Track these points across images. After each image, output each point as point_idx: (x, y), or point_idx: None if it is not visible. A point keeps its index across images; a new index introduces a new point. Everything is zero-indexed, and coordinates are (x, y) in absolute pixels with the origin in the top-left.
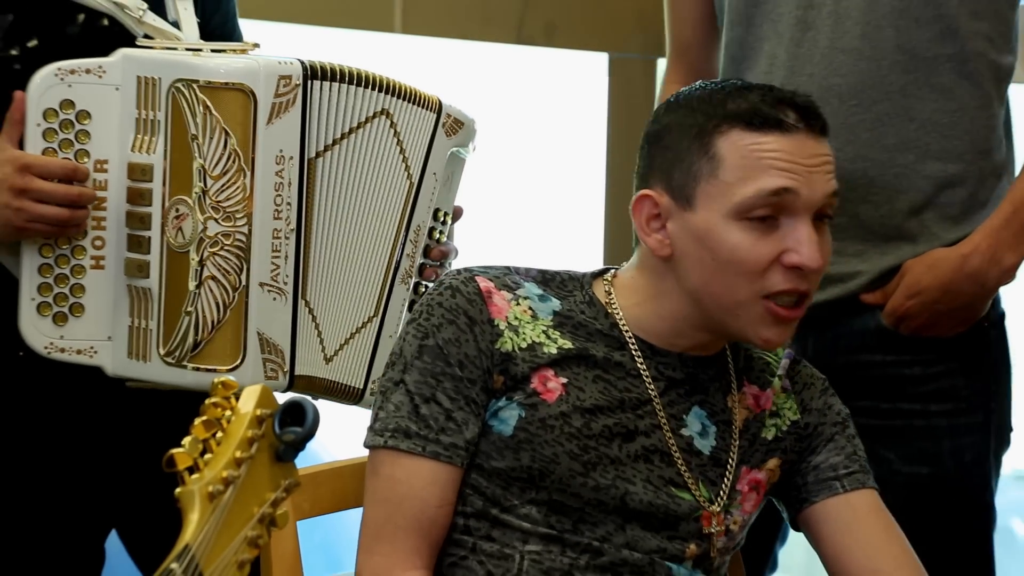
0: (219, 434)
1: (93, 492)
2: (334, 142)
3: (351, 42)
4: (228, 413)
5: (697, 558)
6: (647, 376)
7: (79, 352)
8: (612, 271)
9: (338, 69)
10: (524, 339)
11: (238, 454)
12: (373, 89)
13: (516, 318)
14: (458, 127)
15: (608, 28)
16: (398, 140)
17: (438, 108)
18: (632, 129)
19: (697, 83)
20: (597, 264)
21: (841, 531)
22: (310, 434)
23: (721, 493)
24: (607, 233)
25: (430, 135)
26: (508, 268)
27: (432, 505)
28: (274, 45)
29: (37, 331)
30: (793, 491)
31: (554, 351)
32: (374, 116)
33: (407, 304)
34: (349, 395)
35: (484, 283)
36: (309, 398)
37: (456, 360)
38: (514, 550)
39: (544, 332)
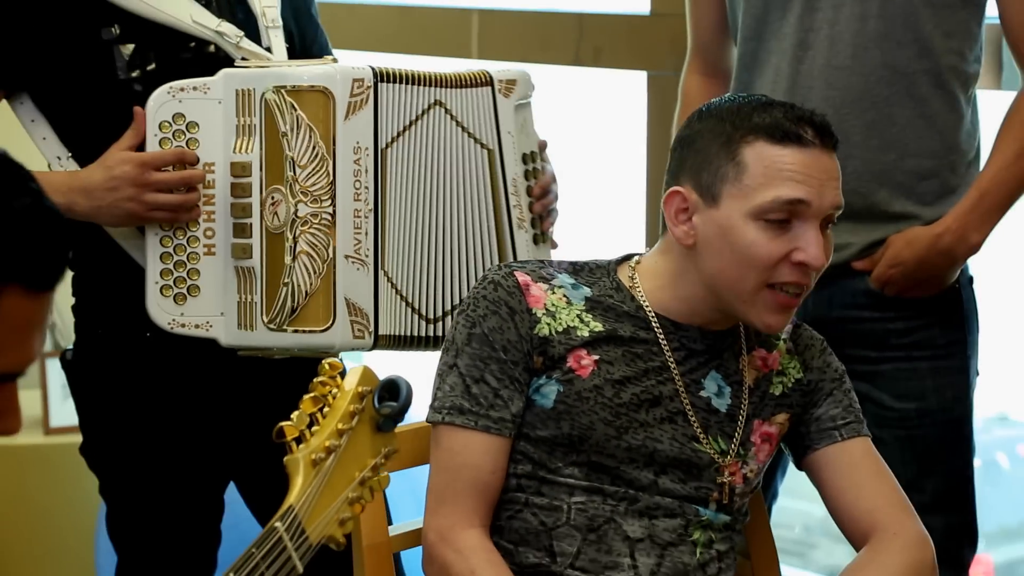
0: (325, 409)
1: (212, 449)
2: (399, 134)
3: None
4: (334, 390)
5: (719, 502)
6: (667, 349)
7: (197, 327)
8: (635, 257)
9: (400, 72)
10: (560, 323)
11: (340, 426)
12: (425, 85)
13: (553, 304)
14: (513, 85)
15: (646, 50)
16: (457, 121)
17: (489, 80)
18: (668, 136)
19: (726, 96)
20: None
21: (840, 475)
22: (404, 408)
23: (734, 444)
24: (648, 227)
25: (492, 104)
26: (543, 262)
27: (486, 471)
28: None
29: (161, 310)
30: (798, 439)
31: (586, 334)
32: (429, 108)
33: (531, 241)
34: None
35: (522, 277)
36: (404, 376)
37: (500, 345)
38: (562, 502)
39: (578, 316)
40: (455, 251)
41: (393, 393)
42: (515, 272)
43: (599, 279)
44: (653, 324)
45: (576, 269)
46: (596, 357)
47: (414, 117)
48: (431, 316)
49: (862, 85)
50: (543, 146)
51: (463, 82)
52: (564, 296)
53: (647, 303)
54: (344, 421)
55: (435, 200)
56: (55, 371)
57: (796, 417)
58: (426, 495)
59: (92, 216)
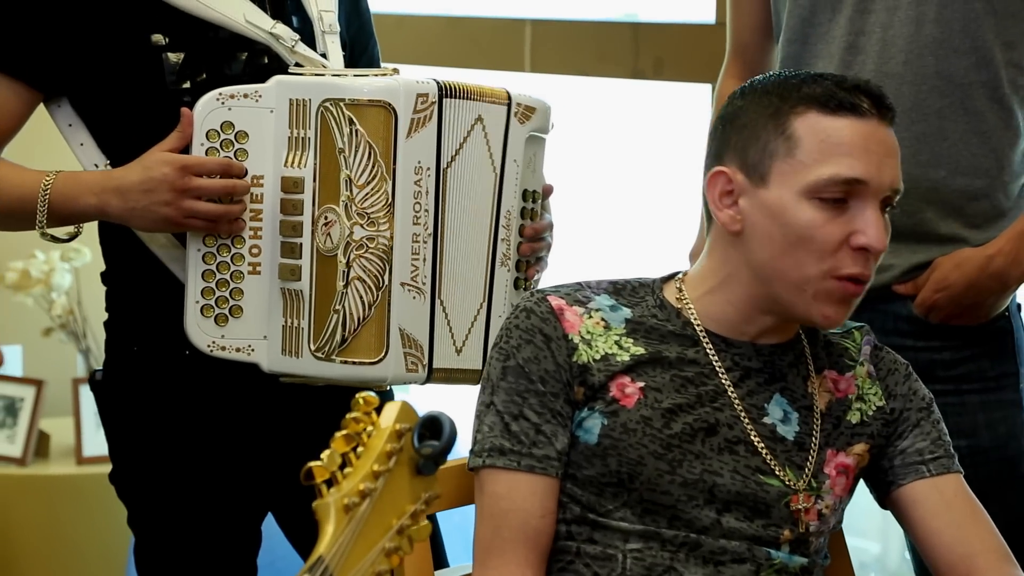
0: (359, 448)
1: (249, 479)
2: (457, 152)
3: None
4: (369, 428)
5: (793, 543)
6: (720, 369)
7: (238, 350)
8: (681, 273)
9: (464, 87)
10: (597, 351)
11: (376, 467)
12: (471, 99)
13: (588, 331)
14: (531, 113)
15: (710, 61)
16: (487, 140)
17: (507, 100)
18: None
19: (768, 72)
20: None
21: (930, 515)
22: (447, 448)
23: (806, 475)
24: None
25: (504, 126)
26: (579, 284)
27: (535, 516)
28: None
29: (201, 331)
30: (880, 474)
31: (627, 358)
32: (475, 124)
33: (512, 283)
34: (471, 378)
35: (556, 301)
36: (446, 412)
37: (538, 376)
38: (616, 550)
39: (616, 342)
40: (469, 279)
41: (435, 431)
42: (548, 297)
43: (643, 299)
44: (702, 340)
45: (617, 289)
46: (641, 384)
47: (466, 133)
48: (459, 346)
49: (913, 95)
50: (548, 191)
51: (489, 96)
52: (602, 320)
53: (696, 319)
54: (380, 462)
55: (469, 224)
56: (88, 399)
57: (878, 449)
58: (473, 547)
59: (125, 219)
